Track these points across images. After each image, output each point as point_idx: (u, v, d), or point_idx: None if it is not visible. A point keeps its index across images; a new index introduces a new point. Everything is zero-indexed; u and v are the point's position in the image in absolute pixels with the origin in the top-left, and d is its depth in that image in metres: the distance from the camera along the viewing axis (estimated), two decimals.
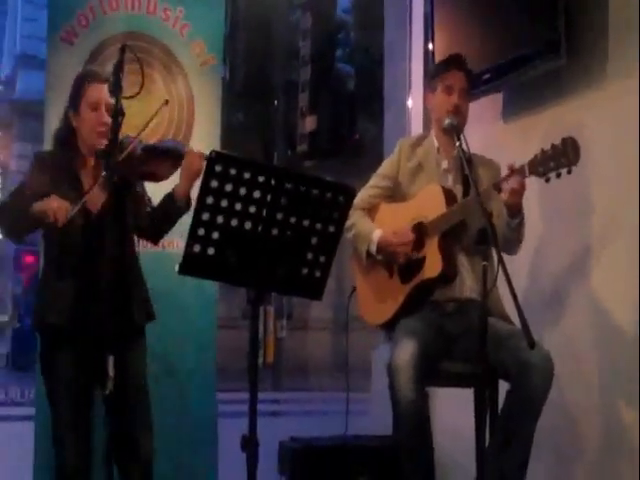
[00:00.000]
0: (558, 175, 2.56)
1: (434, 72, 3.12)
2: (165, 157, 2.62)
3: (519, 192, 2.66)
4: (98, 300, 2.49)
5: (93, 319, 2.53)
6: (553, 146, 2.57)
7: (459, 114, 2.94)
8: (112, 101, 2.50)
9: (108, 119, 2.60)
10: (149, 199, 2.81)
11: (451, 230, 2.83)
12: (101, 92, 2.64)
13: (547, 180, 2.59)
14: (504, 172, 2.74)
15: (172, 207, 2.69)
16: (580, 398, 3.14)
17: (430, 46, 3.98)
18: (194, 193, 2.27)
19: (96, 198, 2.56)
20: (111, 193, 2.42)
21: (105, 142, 2.56)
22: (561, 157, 2.54)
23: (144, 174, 2.64)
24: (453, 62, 3.03)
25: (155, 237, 2.88)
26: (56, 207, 2.49)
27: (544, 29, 3.17)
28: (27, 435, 3.34)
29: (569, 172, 2.54)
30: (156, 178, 2.66)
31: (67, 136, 2.71)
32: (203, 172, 2.09)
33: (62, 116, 2.74)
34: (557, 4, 3.10)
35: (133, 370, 2.66)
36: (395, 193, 3.07)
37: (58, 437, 2.64)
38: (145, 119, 2.66)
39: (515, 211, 2.72)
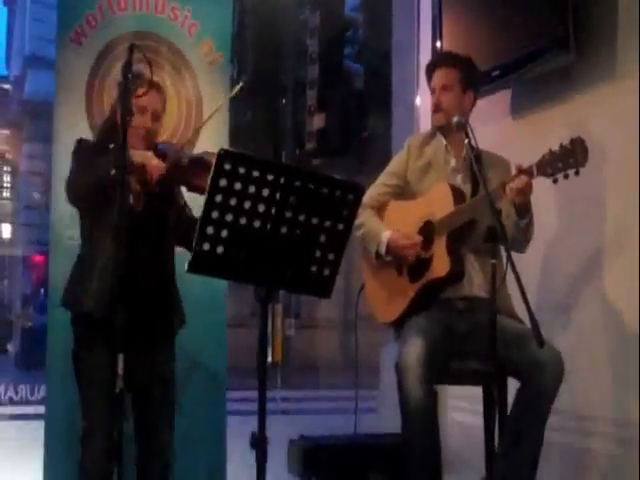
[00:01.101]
0: (566, 176, 2.55)
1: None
2: (207, 171, 2.64)
3: (526, 192, 2.65)
4: (139, 296, 2.56)
5: (132, 314, 2.53)
6: (561, 146, 2.56)
7: (439, 111, 2.96)
8: (160, 109, 2.68)
9: (151, 125, 2.69)
10: (188, 208, 2.83)
11: (459, 229, 2.83)
12: (149, 97, 2.68)
13: (555, 181, 2.58)
14: (514, 170, 2.73)
15: None
16: (591, 397, 3.13)
17: (438, 44, 3.98)
18: None
19: (139, 197, 2.61)
20: (153, 196, 2.52)
21: (143, 145, 2.64)
22: (569, 158, 2.53)
23: (189, 185, 2.65)
24: (434, 63, 3.08)
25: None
26: (155, 163, 2.54)
27: (553, 26, 3.17)
28: (37, 433, 3.35)
29: (577, 173, 2.53)
30: (200, 191, 2.66)
31: (111, 132, 2.71)
32: (212, 170, 2.09)
33: (110, 110, 2.77)
34: (566, 0, 3.10)
35: (162, 371, 2.73)
36: (404, 191, 3.07)
37: (87, 435, 2.62)
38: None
39: (523, 211, 2.72)
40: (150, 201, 2.66)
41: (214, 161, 2.12)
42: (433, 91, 3.01)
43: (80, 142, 2.78)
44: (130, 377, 2.42)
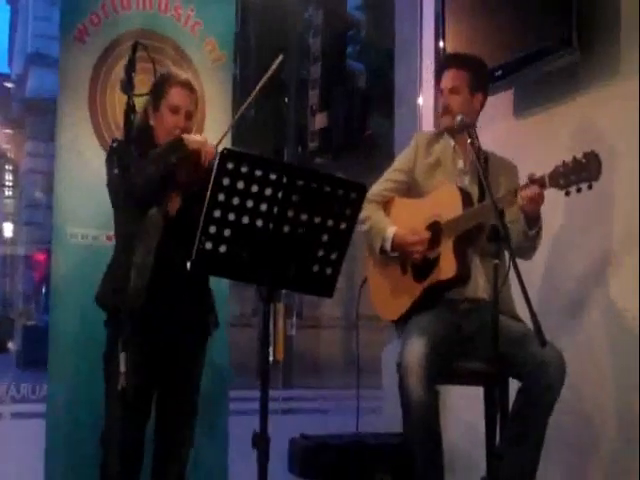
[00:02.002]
0: (578, 190, 2.52)
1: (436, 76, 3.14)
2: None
3: (537, 201, 2.63)
4: (176, 295, 2.59)
5: (169, 312, 2.61)
6: (575, 159, 2.53)
7: (448, 113, 2.94)
8: (192, 109, 2.70)
9: (185, 124, 2.71)
10: None
11: (467, 232, 2.81)
12: (183, 97, 2.72)
13: (567, 194, 2.56)
14: (521, 173, 2.72)
15: None
16: (595, 397, 3.13)
17: (441, 43, 3.97)
18: None
19: (173, 201, 2.64)
20: (186, 200, 2.55)
21: None
22: (582, 171, 2.51)
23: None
24: (444, 64, 3.08)
25: None
26: (209, 148, 2.58)
27: (557, 25, 3.16)
28: (38, 432, 3.35)
29: (590, 187, 2.51)
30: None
31: (144, 132, 2.75)
32: (215, 169, 2.09)
33: (141, 112, 2.75)
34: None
35: (192, 372, 2.77)
36: (410, 188, 3.05)
37: (107, 436, 2.63)
38: None
39: (533, 220, 2.71)
40: (185, 201, 2.67)
41: (216, 160, 2.11)
42: (442, 92, 2.99)
43: (118, 143, 2.76)
44: (159, 376, 2.45)
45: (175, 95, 2.72)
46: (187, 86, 2.74)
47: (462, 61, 3.02)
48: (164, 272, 2.62)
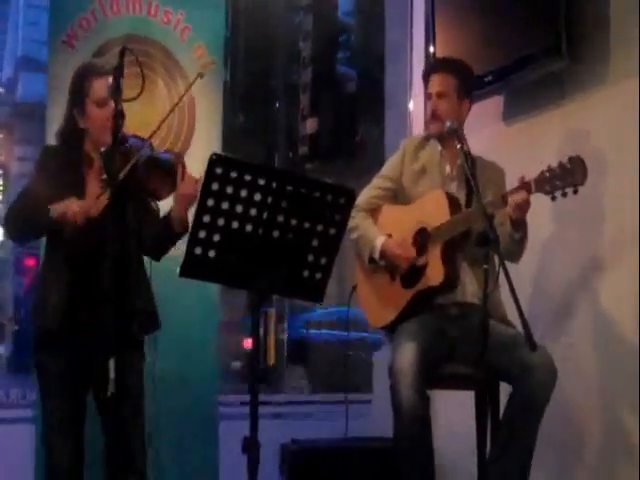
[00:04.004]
0: (564, 194, 2.54)
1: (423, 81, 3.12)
2: (167, 176, 2.52)
3: (524, 207, 2.65)
4: (94, 305, 2.51)
5: (88, 323, 2.53)
6: (560, 165, 2.55)
7: (436, 119, 2.93)
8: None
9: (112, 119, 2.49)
10: (157, 209, 2.72)
11: (454, 238, 2.82)
12: (106, 86, 2.50)
13: (553, 199, 2.58)
14: (508, 177, 2.72)
15: (169, 232, 2.60)
16: (583, 402, 3.13)
17: (431, 48, 3.98)
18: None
19: (99, 202, 2.52)
20: (112, 198, 2.39)
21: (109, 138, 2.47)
22: (568, 176, 2.52)
23: (146, 191, 2.56)
24: (431, 68, 3.07)
25: (156, 254, 2.77)
26: (75, 208, 2.47)
27: (545, 31, 3.17)
28: (28, 437, 3.33)
29: (575, 192, 2.52)
30: (157, 197, 2.60)
31: (72, 136, 2.65)
32: (204, 174, 2.09)
33: (66, 115, 2.66)
34: (558, 6, 3.10)
35: (129, 380, 2.59)
36: (398, 195, 3.06)
37: (47, 438, 2.63)
38: (146, 122, 2.64)
39: (518, 225, 2.72)
40: (110, 202, 2.50)
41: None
42: (429, 97, 2.99)
43: (44, 151, 2.72)
44: (97, 380, 2.41)
45: (98, 87, 2.57)
46: (108, 73, 2.45)
47: (450, 66, 3.02)
48: (83, 281, 2.56)
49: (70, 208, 2.47)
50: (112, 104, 2.39)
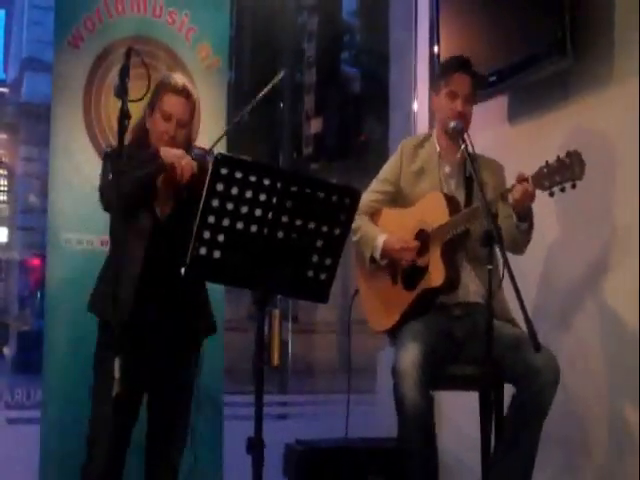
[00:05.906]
0: (562, 189, 2.54)
1: (440, 73, 3.08)
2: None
3: (525, 202, 2.64)
4: (163, 304, 2.59)
5: (156, 321, 2.60)
6: (558, 159, 2.54)
7: (466, 122, 2.90)
8: (186, 117, 2.68)
9: (176, 132, 2.69)
10: None
11: (454, 238, 2.82)
12: (176, 105, 2.70)
13: (551, 194, 2.57)
14: (508, 173, 2.72)
15: None
16: (589, 402, 3.13)
17: (436, 48, 3.98)
18: None
19: (163, 207, 2.64)
20: (178, 203, 2.54)
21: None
22: (566, 171, 2.51)
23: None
24: (460, 65, 2.96)
25: None
26: (185, 163, 2.56)
27: (550, 30, 3.17)
28: (33, 438, 3.34)
29: (574, 187, 2.52)
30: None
31: (141, 134, 2.76)
32: (209, 175, 2.09)
33: (142, 112, 2.76)
34: (563, 5, 3.10)
35: (183, 380, 2.74)
36: (397, 197, 3.06)
37: (92, 437, 2.63)
38: None
39: (524, 215, 2.71)
40: (178, 206, 2.67)
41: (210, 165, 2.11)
42: (454, 95, 2.90)
43: (111, 149, 2.78)
44: (148, 381, 2.44)
45: (167, 102, 2.71)
46: (182, 93, 2.72)
47: (470, 67, 2.98)
48: (152, 279, 2.62)
49: (182, 158, 2.57)
50: (175, 123, 2.66)
